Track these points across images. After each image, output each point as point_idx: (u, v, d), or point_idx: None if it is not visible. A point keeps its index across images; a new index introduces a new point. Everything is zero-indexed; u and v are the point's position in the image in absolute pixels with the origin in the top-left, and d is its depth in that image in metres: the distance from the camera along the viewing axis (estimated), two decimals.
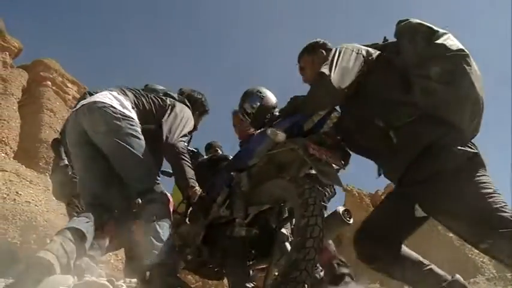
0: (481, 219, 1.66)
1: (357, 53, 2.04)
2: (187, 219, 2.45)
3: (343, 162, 2.06)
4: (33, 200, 12.90)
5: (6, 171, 14.56)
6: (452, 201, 1.73)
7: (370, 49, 2.10)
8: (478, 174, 1.75)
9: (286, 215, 2.14)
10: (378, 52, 2.09)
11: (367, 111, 1.98)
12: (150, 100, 2.64)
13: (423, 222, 1.96)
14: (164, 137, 2.49)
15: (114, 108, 2.42)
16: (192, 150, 3.22)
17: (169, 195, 2.57)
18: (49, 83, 24.88)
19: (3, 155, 17.75)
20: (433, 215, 1.85)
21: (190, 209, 2.44)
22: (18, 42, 25.05)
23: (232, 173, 2.30)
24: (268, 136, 2.03)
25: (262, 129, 2.40)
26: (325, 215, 1.94)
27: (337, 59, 2.01)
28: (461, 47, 1.89)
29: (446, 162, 1.77)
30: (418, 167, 1.81)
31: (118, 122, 2.39)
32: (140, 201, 2.41)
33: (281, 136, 1.99)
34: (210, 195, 2.35)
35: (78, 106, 2.55)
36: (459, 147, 1.77)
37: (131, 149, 2.38)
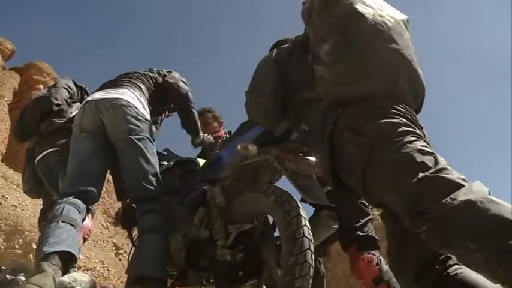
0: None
1: (266, 62, 1.90)
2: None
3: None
4: (19, 204, 12.68)
5: None
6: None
7: (283, 48, 1.92)
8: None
9: (269, 230, 2.05)
10: (289, 48, 1.89)
11: (293, 117, 1.84)
12: (153, 80, 2.83)
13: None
14: (175, 86, 2.82)
15: (137, 109, 2.48)
16: (163, 152, 3.14)
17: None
18: (41, 86, 24.69)
19: None
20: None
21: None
22: (11, 44, 24.89)
23: (204, 187, 2.19)
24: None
25: (232, 140, 2.31)
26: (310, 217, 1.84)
27: (254, 75, 1.92)
28: (358, 6, 1.55)
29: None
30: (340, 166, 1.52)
31: (139, 124, 2.43)
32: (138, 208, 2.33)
33: (253, 149, 1.90)
34: (185, 209, 2.25)
35: (96, 97, 2.53)
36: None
37: (146, 153, 2.38)
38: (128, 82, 2.69)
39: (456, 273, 1.32)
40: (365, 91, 1.51)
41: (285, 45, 1.93)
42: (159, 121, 2.94)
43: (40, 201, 3.55)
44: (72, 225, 2.00)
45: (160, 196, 2.33)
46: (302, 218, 1.68)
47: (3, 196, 12.54)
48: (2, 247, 10.66)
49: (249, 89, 1.93)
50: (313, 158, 1.97)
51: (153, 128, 2.60)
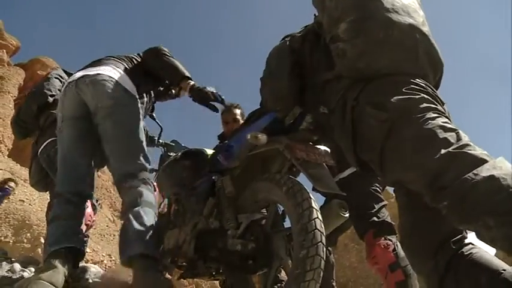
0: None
1: (280, 50, 1.90)
2: (171, 221, 2.33)
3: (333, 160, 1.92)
4: (27, 198, 12.80)
5: (1, 169, 14.46)
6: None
7: (296, 36, 1.91)
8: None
9: (280, 220, 2.03)
10: (302, 35, 1.89)
11: (311, 101, 1.81)
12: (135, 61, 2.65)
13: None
14: (146, 51, 2.60)
15: (120, 83, 2.32)
16: (170, 144, 3.06)
17: (155, 185, 2.38)
18: None
19: None
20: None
21: (174, 207, 2.33)
22: (16, 40, 24.96)
23: (213, 177, 2.18)
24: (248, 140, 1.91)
25: (241, 130, 2.28)
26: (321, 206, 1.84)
27: (269, 62, 1.92)
28: None
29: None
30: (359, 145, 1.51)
31: (122, 98, 2.29)
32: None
33: (262, 138, 1.88)
34: (194, 200, 2.24)
35: (77, 76, 2.36)
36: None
37: (130, 126, 2.26)
38: (112, 60, 2.56)
39: (471, 253, 1.30)
40: (388, 64, 1.49)
41: (298, 33, 1.92)
42: (144, 102, 2.73)
43: (47, 195, 3.57)
44: (73, 220, 2.06)
45: (143, 172, 2.20)
46: (314, 210, 1.66)
47: None
48: (11, 241, 10.77)
49: (265, 75, 1.93)
50: (323, 147, 1.96)
51: (140, 104, 2.43)
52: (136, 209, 2.05)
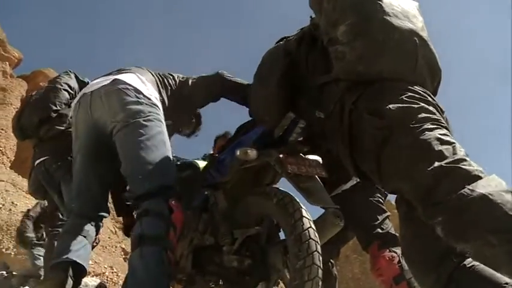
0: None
1: (273, 54, 1.86)
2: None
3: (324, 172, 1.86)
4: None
5: (3, 181, 14.45)
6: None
7: (291, 39, 1.86)
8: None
9: (275, 232, 1.98)
10: (299, 37, 1.83)
11: (305, 106, 1.76)
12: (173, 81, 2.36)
13: None
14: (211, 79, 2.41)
15: (138, 91, 2.04)
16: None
17: (178, 209, 1.98)
18: None
19: (0, 164, 17.66)
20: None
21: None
22: (18, 52, 25.12)
23: (206, 192, 2.16)
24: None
25: (231, 143, 2.27)
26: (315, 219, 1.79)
27: (260, 68, 1.88)
28: None
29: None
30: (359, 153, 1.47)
31: (140, 107, 1.98)
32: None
33: (252, 154, 1.87)
34: (189, 215, 2.21)
35: (93, 88, 2.13)
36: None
37: (148, 139, 1.92)
38: (137, 68, 2.31)
39: (473, 265, 1.28)
40: (387, 68, 1.46)
41: (293, 36, 1.89)
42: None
43: None
44: (84, 236, 2.00)
45: (164, 190, 1.87)
46: (306, 219, 1.66)
47: (12, 203, 12.63)
48: (12, 253, 10.73)
49: (254, 81, 1.89)
50: (315, 157, 1.95)
51: (162, 113, 2.12)
52: (138, 249, 1.69)
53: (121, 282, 12.02)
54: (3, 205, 12.34)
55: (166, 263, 1.68)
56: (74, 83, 3.11)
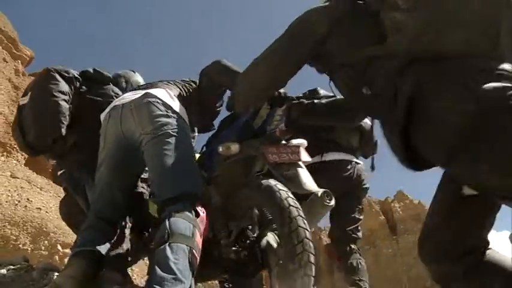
0: None
1: (307, 27, 1.58)
2: None
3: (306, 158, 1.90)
4: (43, 206, 12.98)
5: (18, 178, 14.68)
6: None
7: (334, 8, 1.56)
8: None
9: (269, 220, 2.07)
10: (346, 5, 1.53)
11: (349, 83, 1.51)
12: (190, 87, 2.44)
13: (489, 205, 1.31)
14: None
15: (167, 105, 2.11)
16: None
17: (203, 213, 1.92)
18: None
19: (14, 162, 17.93)
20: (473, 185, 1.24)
21: None
22: (30, 50, 25.37)
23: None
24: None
25: (216, 137, 2.31)
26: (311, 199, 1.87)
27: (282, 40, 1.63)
28: None
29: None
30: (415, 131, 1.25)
31: (168, 120, 2.05)
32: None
33: (234, 148, 1.92)
34: None
35: (124, 100, 2.21)
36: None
37: (175, 148, 1.96)
38: (165, 84, 2.39)
39: (487, 254, 1.25)
40: (461, 43, 1.19)
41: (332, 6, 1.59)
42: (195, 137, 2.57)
43: None
44: (103, 234, 2.04)
45: (191, 197, 1.88)
46: (293, 208, 1.71)
47: (28, 199, 12.85)
48: (29, 249, 10.93)
49: (269, 50, 1.66)
50: (299, 141, 1.98)
51: (188, 126, 2.18)
52: (163, 246, 1.67)
53: (135, 276, 12.21)
54: (19, 202, 12.55)
55: (192, 261, 1.66)
56: (63, 86, 2.82)
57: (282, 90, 1.98)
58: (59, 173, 2.98)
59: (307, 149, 2.02)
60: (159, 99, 2.13)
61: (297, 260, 1.61)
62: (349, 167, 3.20)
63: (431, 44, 1.22)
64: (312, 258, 1.63)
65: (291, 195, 1.77)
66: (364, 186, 3.36)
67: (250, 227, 2.08)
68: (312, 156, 2.02)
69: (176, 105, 2.18)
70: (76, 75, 2.81)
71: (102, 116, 2.33)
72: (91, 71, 2.87)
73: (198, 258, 1.72)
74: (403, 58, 1.27)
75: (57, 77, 2.81)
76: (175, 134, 2.01)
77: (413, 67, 1.24)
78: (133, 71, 2.96)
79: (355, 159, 3.30)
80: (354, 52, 1.43)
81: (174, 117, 2.08)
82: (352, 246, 3.15)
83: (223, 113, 2.40)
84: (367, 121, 3.10)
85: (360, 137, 3.36)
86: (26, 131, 2.80)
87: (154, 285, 1.54)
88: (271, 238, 1.99)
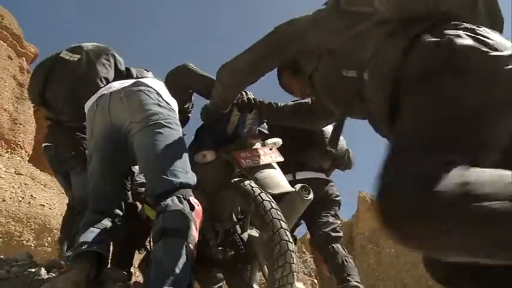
0: None
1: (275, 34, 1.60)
2: None
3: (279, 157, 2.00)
4: (47, 203, 13.03)
5: (22, 174, 14.74)
6: None
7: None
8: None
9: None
10: None
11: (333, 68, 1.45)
12: None
13: None
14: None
15: (159, 94, 2.09)
16: None
17: (199, 206, 1.88)
18: None
19: (18, 158, 18.00)
20: None
21: None
22: (34, 47, 25.44)
23: None
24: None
25: (193, 146, 2.35)
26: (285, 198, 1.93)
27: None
28: None
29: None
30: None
31: (160, 110, 2.02)
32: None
33: (210, 155, 2.01)
34: None
35: (112, 88, 2.16)
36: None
37: (166, 140, 1.94)
38: (153, 75, 2.42)
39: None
40: (444, 8, 1.18)
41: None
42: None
43: (67, 199, 3.59)
44: (102, 230, 2.02)
45: (185, 189, 1.86)
46: (267, 202, 1.78)
47: (31, 196, 12.90)
48: (33, 245, 11.00)
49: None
50: (274, 140, 2.10)
51: (177, 117, 2.16)
52: (160, 242, 1.67)
53: (137, 273, 12.26)
54: (23, 198, 12.61)
55: (190, 255, 1.66)
56: (36, 85, 2.78)
57: (250, 96, 2.03)
58: (44, 145, 2.90)
59: (279, 149, 2.13)
60: (150, 87, 2.09)
61: (276, 249, 1.65)
62: (318, 184, 3.34)
63: (411, 9, 1.20)
64: (291, 246, 1.66)
65: (263, 191, 1.84)
66: (335, 198, 3.53)
67: (237, 226, 2.14)
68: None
69: (167, 95, 2.15)
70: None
71: (88, 104, 2.26)
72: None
73: (195, 251, 1.71)
74: (391, 23, 1.25)
75: (37, 76, 2.79)
76: (167, 124, 1.97)
77: (403, 29, 1.22)
78: (147, 70, 2.97)
79: (324, 176, 3.54)
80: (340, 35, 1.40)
81: (165, 108, 2.05)
82: (334, 245, 3.18)
83: (200, 121, 2.38)
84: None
85: (331, 162, 3.60)
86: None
87: (153, 281, 1.54)
88: (254, 232, 2.10)
